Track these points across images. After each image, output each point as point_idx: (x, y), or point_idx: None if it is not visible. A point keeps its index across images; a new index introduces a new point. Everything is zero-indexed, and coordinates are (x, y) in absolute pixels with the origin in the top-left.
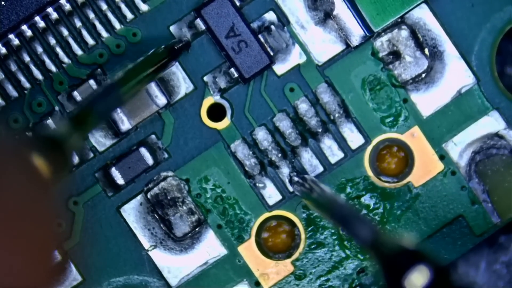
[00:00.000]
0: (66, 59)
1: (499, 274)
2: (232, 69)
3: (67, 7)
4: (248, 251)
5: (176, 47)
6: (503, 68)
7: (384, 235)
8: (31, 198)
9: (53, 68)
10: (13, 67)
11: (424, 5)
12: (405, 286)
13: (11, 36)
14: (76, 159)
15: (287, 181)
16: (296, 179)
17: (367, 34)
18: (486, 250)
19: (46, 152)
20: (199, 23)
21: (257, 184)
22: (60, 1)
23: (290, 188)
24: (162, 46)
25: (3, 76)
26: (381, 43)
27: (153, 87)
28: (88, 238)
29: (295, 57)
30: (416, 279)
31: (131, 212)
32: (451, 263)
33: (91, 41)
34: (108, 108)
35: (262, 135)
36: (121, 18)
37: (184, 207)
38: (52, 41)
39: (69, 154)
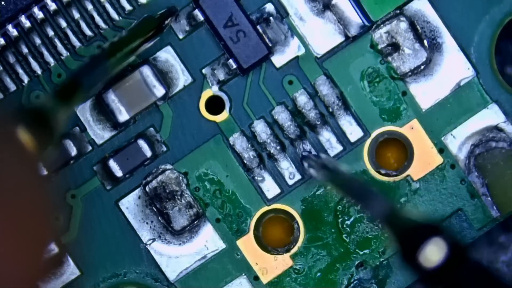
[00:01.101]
0: (64, 51)
1: (499, 274)
2: (231, 61)
3: None
4: (247, 245)
5: (162, 16)
6: (503, 68)
7: (400, 209)
8: (19, 176)
9: (51, 60)
10: (11, 59)
11: None
12: (420, 260)
13: (9, 27)
14: (70, 145)
15: (286, 174)
16: (309, 156)
17: (366, 23)
18: (486, 249)
19: (31, 125)
20: (198, 14)
21: (255, 177)
22: None
23: (289, 182)
24: (145, 15)
25: (1, 68)
26: (380, 35)
27: (151, 77)
28: (86, 231)
29: (293, 49)
30: (432, 251)
31: (130, 205)
32: (471, 243)
33: (89, 33)
34: (95, 80)
35: (260, 128)
36: (119, 9)
37: (183, 201)
38: (50, 32)
39: (55, 127)
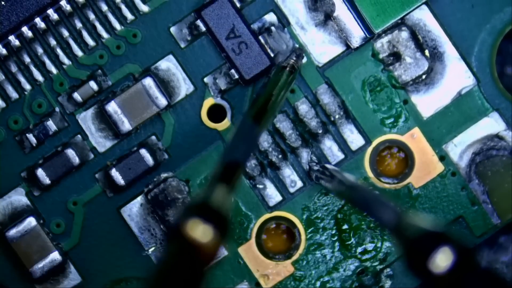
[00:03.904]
0: (66, 60)
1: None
2: (233, 70)
3: (68, 8)
4: (249, 252)
5: (293, 63)
6: (503, 69)
7: (408, 218)
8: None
9: (53, 69)
10: (14, 68)
11: (424, 6)
12: (430, 268)
13: (12, 37)
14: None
15: (287, 182)
16: (316, 168)
17: (367, 35)
18: (486, 250)
19: (203, 221)
20: (200, 24)
21: (257, 185)
22: (61, 2)
23: (291, 189)
24: (276, 66)
25: (3, 77)
26: (381, 44)
27: (154, 89)
28: (88, 238)
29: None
30: (441, 260)
31: (131, 213)
32: (476, 246)
33: (91, 42)
34: (249, 153)
35: (262, 136)
36: (121, 19)
37: None
38: (53, 42)
39: (224, 213)
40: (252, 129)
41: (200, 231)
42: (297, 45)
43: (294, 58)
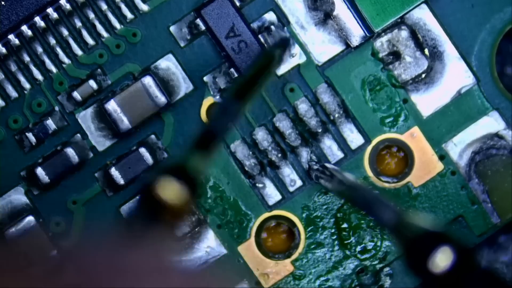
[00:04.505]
0: (66, 59)
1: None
2: (232, 69)
3: (67, 7)
4: (248, 251)
5: (280, 47)
6: (503, 68)
7: (408, 218)
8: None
9: (53, 68)
10: (13, 67)
11: (424, 6)
12: (430, 267)
13: (11, 36)
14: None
15: (287, 181)
16: (316, 167)
17: (367, 34)
18: (486, 250)
19: (180, 181)
20: (199, 24)
21: (256, 184)
22: (60, 1)
23: (290, 188)
24: (262, 52)
25: (3, 76)
26: (381, 44)
27: (153, 88)
28: (87, 238)
29: (295, 57)
30: (440, 260)
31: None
32: (476, 246)
33: (91, 41)
34: (228, 126)
35: (262, 136)
36: (121, 18)
37: None
38: (52, 41)
39: (198, 179)
40: (232, 104)
41: (171, 190)
42: (287, 34)
43: (282, 45)
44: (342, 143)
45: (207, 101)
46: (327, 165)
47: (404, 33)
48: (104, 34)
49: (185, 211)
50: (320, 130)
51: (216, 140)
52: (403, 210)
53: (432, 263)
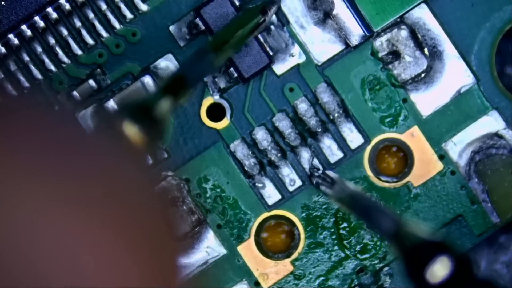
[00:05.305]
0: (65, 59)
1: (499, 274)
2: (232, 69)
3: (67, 7)
4: (248, 251)
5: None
6: (503, 68)
7: (407, 226)
8: (131, 176)
9: (52, 68)
10: (13, 67)
11: (423, 5)
12: (428, 278)
13: (11, 36)
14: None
15: (286, 181)
16: (317, 174)
17: (367, 34)
18: (486, 250)
19: (138, 120)
20: (199, 23)
21: (256, 184)
22: (60, 1)
23: (290, 188)
24: (247, 7)
25: (3, 76)
26: (381, 43)
27: (153, 87)
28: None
29: (294, 57)
30: (438, 270)
31: None
32: (475, 247)
33: (90, 41)
34: (201, 74)
35: (261, 135)
36: (120, 18)
37: (184, 207)
38: (52, 41)
39: (161, 121)
40: (208, 54)
41: (133, 131)
42: None
43: (269, 2)
44: (341, 142)
45: (207, 101)
46: (329, 172)
47: (404, 33)
48: (104, 33)
49: (144, 151)
50: (319, 130)
51: (186, 86)
52: (402, 219)
53: (430, 274)
